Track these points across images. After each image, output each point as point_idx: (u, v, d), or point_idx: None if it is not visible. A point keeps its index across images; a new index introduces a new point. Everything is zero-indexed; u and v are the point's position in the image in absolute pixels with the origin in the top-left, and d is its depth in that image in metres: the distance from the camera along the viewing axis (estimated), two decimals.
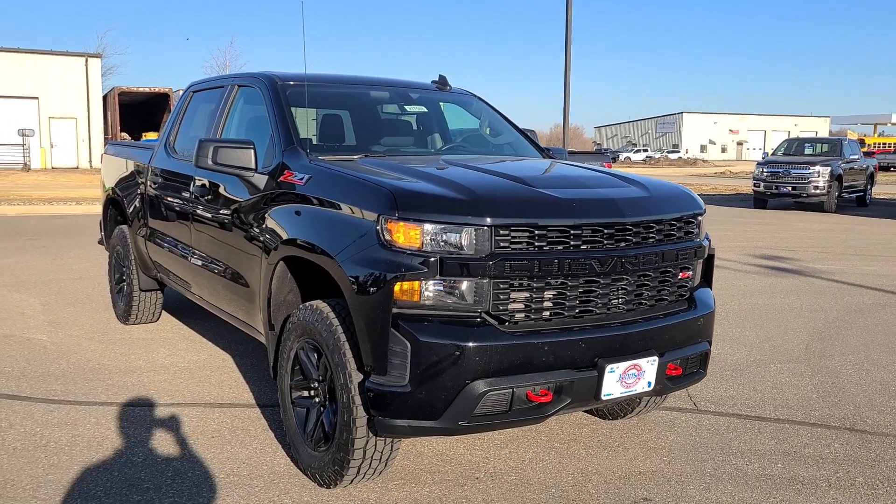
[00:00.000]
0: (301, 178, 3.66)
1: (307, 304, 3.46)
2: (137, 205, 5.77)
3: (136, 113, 46.18)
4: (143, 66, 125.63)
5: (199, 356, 5.50)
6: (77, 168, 37.88)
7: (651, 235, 3.35)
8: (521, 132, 4.99)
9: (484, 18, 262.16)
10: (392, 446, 3.31)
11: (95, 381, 4.87)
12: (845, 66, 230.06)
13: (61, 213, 16.73)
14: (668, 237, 3.43)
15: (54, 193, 20.45)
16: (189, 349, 5.68)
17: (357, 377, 3.13)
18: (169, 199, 5.17)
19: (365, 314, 3.05)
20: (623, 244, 3.23)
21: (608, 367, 3.15)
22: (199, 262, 4.69)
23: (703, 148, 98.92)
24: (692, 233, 3.57)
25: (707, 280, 3.88)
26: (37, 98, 37.41)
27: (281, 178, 3.80)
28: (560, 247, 3.10)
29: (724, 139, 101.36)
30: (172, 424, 4.16)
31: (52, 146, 37.88)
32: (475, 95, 5.19)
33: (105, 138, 37.84)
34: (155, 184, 5.42)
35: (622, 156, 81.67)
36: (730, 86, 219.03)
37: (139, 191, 5.74)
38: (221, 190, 4.34)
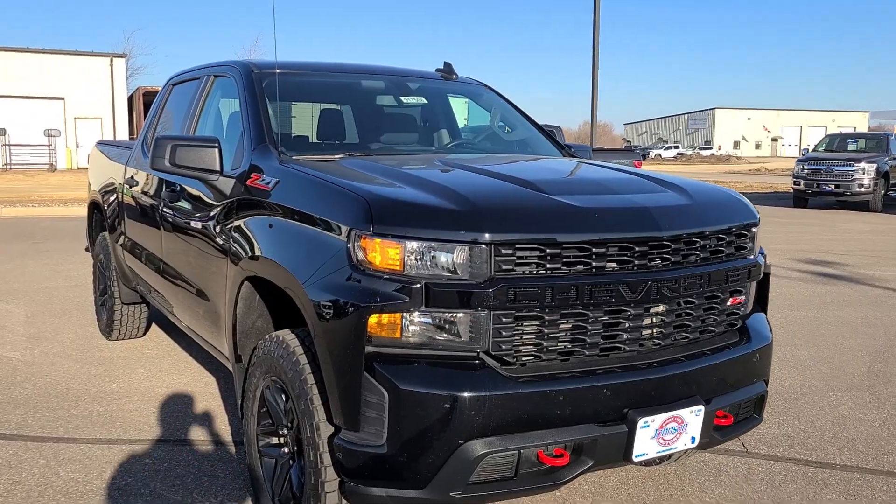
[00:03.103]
0: (268, 183, 3.05)
1: (273, 334, 2.85)
2: (116, 210, 5.22)
3: None
4: (170, 67, 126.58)
5: (181, 379, 4.93)
6: None
7: (694, 252, 2.68)
8: (539, 127, 4.33)
9: (511, 14, 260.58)
10: None
11: (58, 411, 4.32)
12: (885, 59, 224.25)
13: (75, 214, 16.35)
14: (716, 254, 2.76)
15: (76, 195, 20.14)
16: (171, 370, 5.11)
17: (326, 430, 2.52)
18: (143, 204, 4.61)
19: (332, 353, 2.43)
20: (659, 264, 2.57)
21: (641, 421, 2.49)
22: (169, 276, 4.12)
23: (736, 144, 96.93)
24: (745, 248, 2.89)
25: (762, 304, 3.20)
26: (63, 98, 37.46)
27: (248, 183, 3.20)
28: (579, 268, 2.45)
29: (758, 135, 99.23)
30: (131, 468, 3.58)
31: (77, 146, 37.86)
32: (486, 85, 4.53)
33: (130, 139, 37.78)
34: (130, 187, 4.86)
35: (652, 153, 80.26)
36: (764, 81, 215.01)
37: (117, 195, 5.19)
38: (188, 195, 3.75)
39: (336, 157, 3.33)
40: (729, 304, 2.86)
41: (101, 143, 6.39)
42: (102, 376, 4.97)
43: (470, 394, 2.30)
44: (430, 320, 2.37)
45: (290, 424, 2.80)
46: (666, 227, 2.57)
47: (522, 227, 2.39)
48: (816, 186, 19.06)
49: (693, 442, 2.64)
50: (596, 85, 20.21)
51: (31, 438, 3.92)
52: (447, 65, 4.44)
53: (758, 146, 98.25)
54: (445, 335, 2.38)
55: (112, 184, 5.36)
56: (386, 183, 2.72)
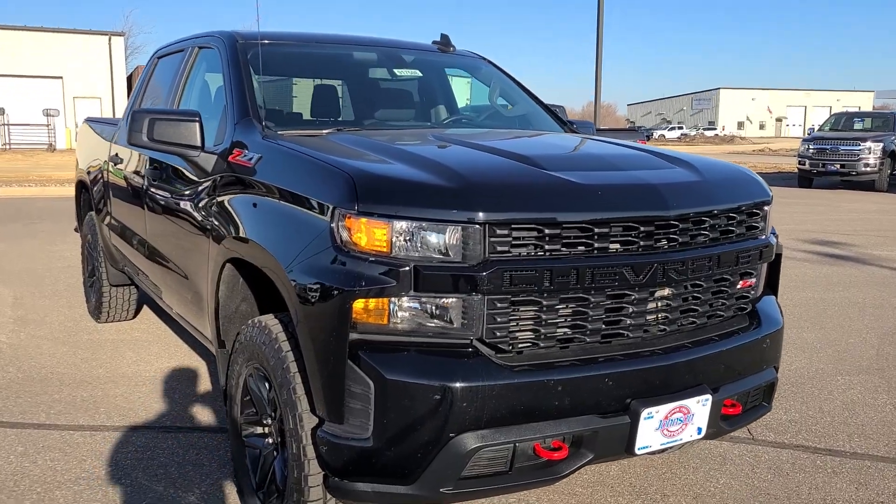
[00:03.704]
0: (250, 159, 2.87)
1: (256, 319, 2.69)
2: (101, 189, 5.05)
3: None
4: None
5: (170, 363, 4.79)
6: None
7: (703, 232, 2.51)
8: (540, 102, 4.14)
9: None
10: None
11: (40, 396, 4.18)
12: (890, 38, 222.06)
13: (73, 194, 16.20)
14: (726, 234, 2.59)
15: (74, 175, 20.01)
16: (160, 354, 4.97)
17: (310, 422, 2.37)
18: (127, 183, 4.43)
19: (315, 340, 2.27)
20: (666, 245, 2.40)
21: (645, 412, 2.33)
22: (154, 258, 3.96)
23: (740, 125, 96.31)
24: (756, 227, 2.73)
25: (772, 287, 3.03)
26: (61, 78, 37.13)
27: (230, 159, 3.03)
28: (580, 250, 2.28)
29: (763, 116, 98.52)
30: (114, 456, 3.44)
31: (76, 126, 37.59)
32: (485, 58, 4.33)
33: None
34: (115, 164, 4.68)
35: (656, 133, 79.69)
36: (768, 61, 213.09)
37: (102, 173, 5.02)
38: (170, 172, 3.59)
39: (324, 132, 3.15)
40: (739, 287, 2.69)
41: (89, 120, 6.19)
42: (89, 360, 4.83)
43: (461, 384, 2.14)
44: (419, 306, 2.21)
45: (273, 414, 2.65)
46: (674, 205, 2.40)
47: (519, 206, 2.22)
48: (822, 166, 18.82)
49: (699, 433, 2.49)
50: (599, 65, 19.93)
51: (10, 425, 3.78)
52: (444, 37, 4.24)
53: (762, 126, 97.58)
54: (436, 321, 2.22)
55: (98, 162, 5.18)
56: (374, 158, 2.54)
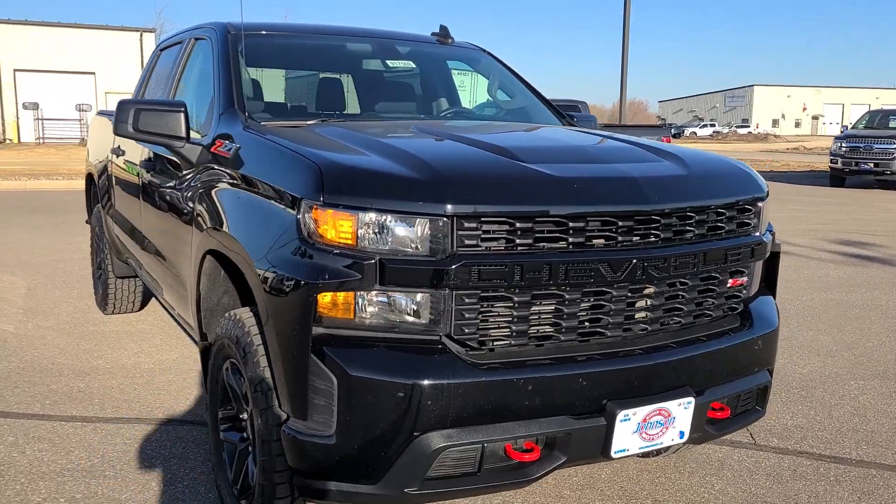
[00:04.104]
0: (229, 149, 2.83)
1: (231, 312, 2.65)
2: (105, 181, 5.06)
3: None
4: None
5: (170, 355, 4.79)
6: None
7: (688, 228, 2.41)
8: (539, 95, 4.04)
9: None
10: None
11: (38, 386, 4.19)
12: None
13: None
14: (714, 231, 2.48)
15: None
16: (161, 346, 4.97)
17: (277, 418, 2.31)
18: (127, 175, 4.43)
19: (280, 334, 2.22)
20: (647, 241, 2.31)
21: (621, 414, 2.24)
22: (148, 250, 3.95)
23: (774, 123, 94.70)
24: (748, 224, 2.61)
25: (770, 286, 2.91)
26: (93, 73, 37.73)
27: (212, 150, 2.99)
28: (554, 245, 2.20)
29: (798, 113, 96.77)
30: (100, 448, 3.43)
31: None
32: (484, 50, 4.24)
33: None
34: (117, 156, 4.69)
35: (687, 131, 78.68)
36: (805, 57, 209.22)
37: (106, 165, 5.03)
38: (161, 164, 3.57)
39: (309, 122, 3.10)
40: (729, 285, 2.58)
41: (102, 113, 6.22)
42: (91, 351, 4.85)
43: (426, 381, 2.07)
44: (386, 300, 2.14)
45: (247, 410, 2.60)
46: (655, 199, 2.30)
47: (490, 199, 2.14)
48: (854, 165, 18.37)
49: (682, 437, 2.39)
50: (625, 61, 19.70)
51: (4, 414, 3.80)
52: (443, 28, 4.16)
53: (797, 124, 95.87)
54: (403, 317, 2.15)
55: (105, 154, 5.19)
56: (347, 150, 2.48)
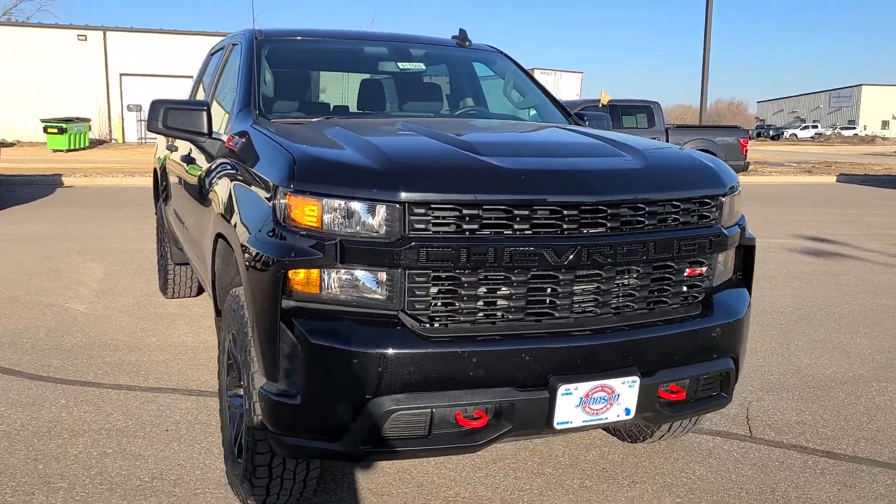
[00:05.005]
0: (235, 143, 3.16)
1: (233, 290, 2.97)
2: (164, 175, 5.53)
3: None
4: None
5: (215, 336, 5.19)
6: None
7: (639, 219, 2.55)
8: (549, 95, 4.21)
9: None
10: (308, 466, 2.76)
11: (95, 359, 4.66)
12: None
13: None
14: (665, 223, 2.62)
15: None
16: (210, 327, 5.39)
17: (260, 381, 2.60)
18: (176, 169, 4.86)
19: (256, 305, 2.51)
20: (592, 230, 2.47)
21: (562, 388, 2.42)
22: (187, 234, 4.35)
23: (884, 124, 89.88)
24: (707, 217, 2.72)
25: (745, 279, 3.01)
26: (191, 77, 39.64)
27: (226, 144, 3.32)
28: (500, 231, 2.40)
29: None
30: (137, 412, 3.83)
31: None
32: (501, 52, 4.45)
33: None
34: (171, 152, 5.14)
35: (787, 133, 75.61)
36: None
37: (165, 161, 5.50)
38: (192, 157, 3.94)
39: (313, 120, 3.39)
40: (686, 275, 2.71)
41: None
42: (147, 330, 5.32)
43: (376, 350, 2.31)
44: (348, 277, 2.39)
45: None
46: (600, 191, 2.46)
47: (438, 187, 2.36)
48: None
49: (628, 414, 2.54)
50: (707, 62, 19.32)
51: (62, 381, 4.27)
52: (462, 31, 4.39)
53: None
54: (363, 293, 2.40)
55: (164, 151, 5.67)
56: (327, 143, 2.74)
